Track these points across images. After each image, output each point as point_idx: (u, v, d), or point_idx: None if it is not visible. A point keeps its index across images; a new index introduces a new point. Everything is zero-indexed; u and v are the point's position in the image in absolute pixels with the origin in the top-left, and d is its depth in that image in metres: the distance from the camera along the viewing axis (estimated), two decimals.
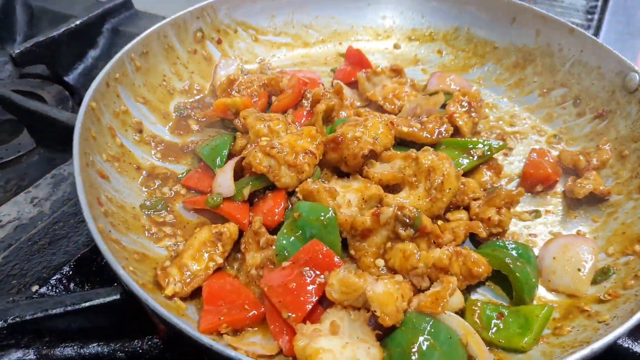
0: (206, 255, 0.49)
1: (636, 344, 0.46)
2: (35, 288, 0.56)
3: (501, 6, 0.75)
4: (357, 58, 0.76)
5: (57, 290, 0.57)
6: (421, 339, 0.42)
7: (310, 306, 0.44)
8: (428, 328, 0.43)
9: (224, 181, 0.53)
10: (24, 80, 1.01)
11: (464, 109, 0.64)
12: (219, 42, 0.77)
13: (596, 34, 1.08)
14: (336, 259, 0.47)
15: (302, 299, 0.44)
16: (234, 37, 0.78)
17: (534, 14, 0.72)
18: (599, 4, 1.17)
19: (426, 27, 0.82)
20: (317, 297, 0.45)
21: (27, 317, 0.50)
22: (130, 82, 0.67)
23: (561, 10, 1.14)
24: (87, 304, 0.51)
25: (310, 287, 0.45)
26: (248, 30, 0.79)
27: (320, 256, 0.46)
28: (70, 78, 1.00)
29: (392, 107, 0.68)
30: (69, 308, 0.51)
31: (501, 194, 0.54)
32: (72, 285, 0.58)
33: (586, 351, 0.38)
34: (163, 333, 0.54)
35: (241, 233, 0.53)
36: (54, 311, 0.51)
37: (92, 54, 1.03)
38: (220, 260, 0.50)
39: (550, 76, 0.71)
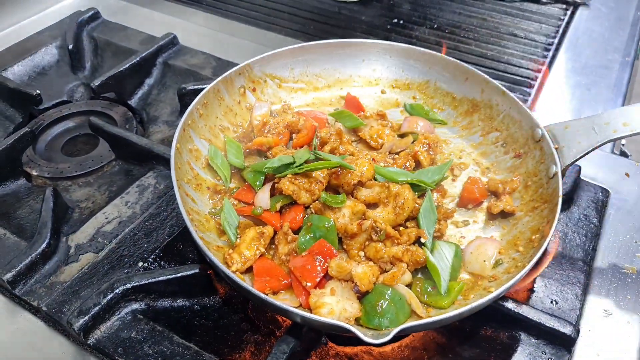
0: (254, 246, 0.79)
1: (515, 305, 0.76)
2: (140, 264, 0.86)
3: (458, 68, 1.03)
4: (353, 102, 1.05)
5: (154, 266, 0.87)
6: (383, 299, 0.72)
7: (318, 279, 0.74)
8: (388, 293, 0.73)
9: (264, 198, 0.83)
10: (96, 102, 1.29)
11: (424, 148, 0.93)
12: (254, 90, 1.05)
13: (549, 66, 1.35)
14: (334, 251, 0.77)
15: (314, 274, 0.74)
16: (264, 86, 1.06)
17: (480, 77, 1.00)
18: (555, 41, 1.44)
19: (405, 79, 1.10)
20: (323, 274, 0.75)
21: (143, 282, 0.80)
22: (197, 126, 0.95)
23: (522, 47, 1.41)
24: (178, 274, 0.81)
25: (319, 268, 0.75)
26: (274, 80, 1.07)
27: (325, 250, 0.76)
28: (132, 101, 1.28)
29: (376, 144, 0.97)
30: (167, 277, 0.81)
31: (441, 210, 0.84)
32: (162, 262, 0.88)
33: (469, 307, 0.67)
34: (223, 294, 0.85)
35: (275, 232, 0.83)
36: (158, 279, 0.81)
37: (148, 81, 1.31)
38: (263, 250, 0.80)
39: (489, 122, 0.99)
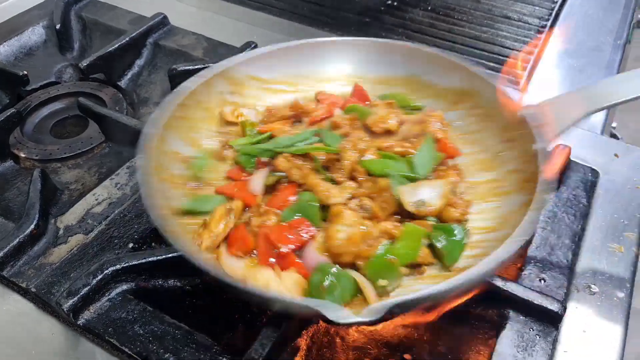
0: (223, 223, 0.79)
1: (504, 283, 0.77)
2: (131, 245, 0.86)
3: (440, 59, 1.01)
4: (360, 93, 1.04)
5: (145, 247, 0.87)
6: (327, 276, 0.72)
7: (292, 246, 0.74)
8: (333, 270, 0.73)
9: (258, 184, 0.84)
10: (84, 83, 1.27)
11: (437, 126, 0.90)
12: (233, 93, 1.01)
13: (541, 49, 1.35)
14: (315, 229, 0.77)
15: (289, 238, 0.75)
16: (244, 88, 1.03)
17: (461, 66, 0.99)
18: (548, 24, 1.43)
19: (389, 74, 1.06)
20: (296, 245, 0.74)
21: (133, 263, 0.80)
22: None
23: (516, 29, 1.40)
24: (169, 255, 0.81)
25: (294, 237, 0.75)
26: (255, 81, 1.05)
27: (306, 225, 0.77)
28: (122, 83, 1.26)
29: (378, 129, 0.93)
30: (157, 258, 0.81)
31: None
32: (153, 243, 0.88)
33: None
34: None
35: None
36: (148, 259, 0.80)
37: (138, 62, 1.29)
38: (231, 225, 0.79)
39: (477, 110, 0.97)
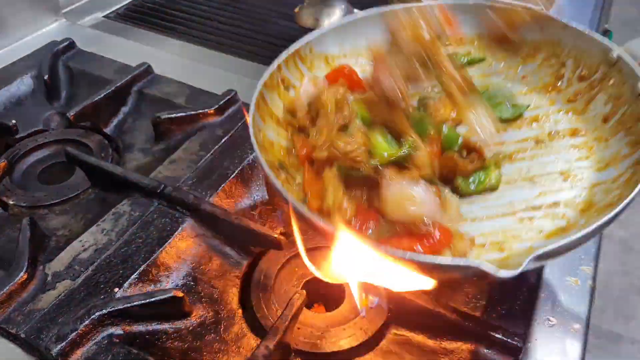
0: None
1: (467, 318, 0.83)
2: (116, 290, 0.90)
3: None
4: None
5: (129, 292, 0.91)
6: None
7: None
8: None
9: None
10: (71, 131, 1.33)
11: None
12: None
13: None
14: None
15: None
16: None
17: (537, 14, 0.94)
18: None
19: (457, 34, 1.04)
20: None
21: (118, 307, 0.84)
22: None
23: None
24: (153, 299, 0.85)
25: None
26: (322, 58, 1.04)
27: None
28: (108, 129, 1.32)
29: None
30: (141, 302, 0.85)
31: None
32: (137, 288, 0.92)
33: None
34: (196, 316, 0.89)
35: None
36: (133, 304, 0.85)
37: (124, 110, 1.35)
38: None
39: (556, 60, 0.97)
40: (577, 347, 0.83)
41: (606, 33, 1.77)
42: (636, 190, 0.69)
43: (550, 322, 0.86)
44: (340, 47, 1.04)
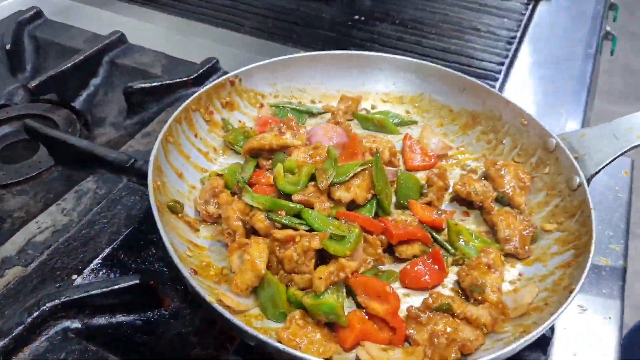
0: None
1: None
2: (74, 277, 0.77)
3: (454, 79, 0.98)
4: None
5: (90, 279, 0.78)
6: None
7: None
8: None
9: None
10: (36, 105, 1.19)
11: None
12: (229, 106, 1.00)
13: (512, 61, 1.32)
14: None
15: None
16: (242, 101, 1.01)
17: (480, 88, 0.95)
18: (518, 35, 1.41)
19: (396, 92, 1.03)
20: None
21: (74, 297, 0.71)
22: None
23: (485, 40, 1.38)
24: (116, 286, 0.72)
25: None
26: (255, 96, 1.04)
27: None
28: (76, 103, 1.19)
29: None
30: (102, 290, 0.72)
31: None
32: (100, 274, 0.79)
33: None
34: (168, 306, 0.76)
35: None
36: (92, 292, 0.72)
37: (94, 82, 1.22)
38: None
39: (494, 135, 0.95)
40: (613, 335, 0.72)
41: (613, 6, 1.67)
42: (570, 298, 0.63)
43: (581, 309, 0.74)
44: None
